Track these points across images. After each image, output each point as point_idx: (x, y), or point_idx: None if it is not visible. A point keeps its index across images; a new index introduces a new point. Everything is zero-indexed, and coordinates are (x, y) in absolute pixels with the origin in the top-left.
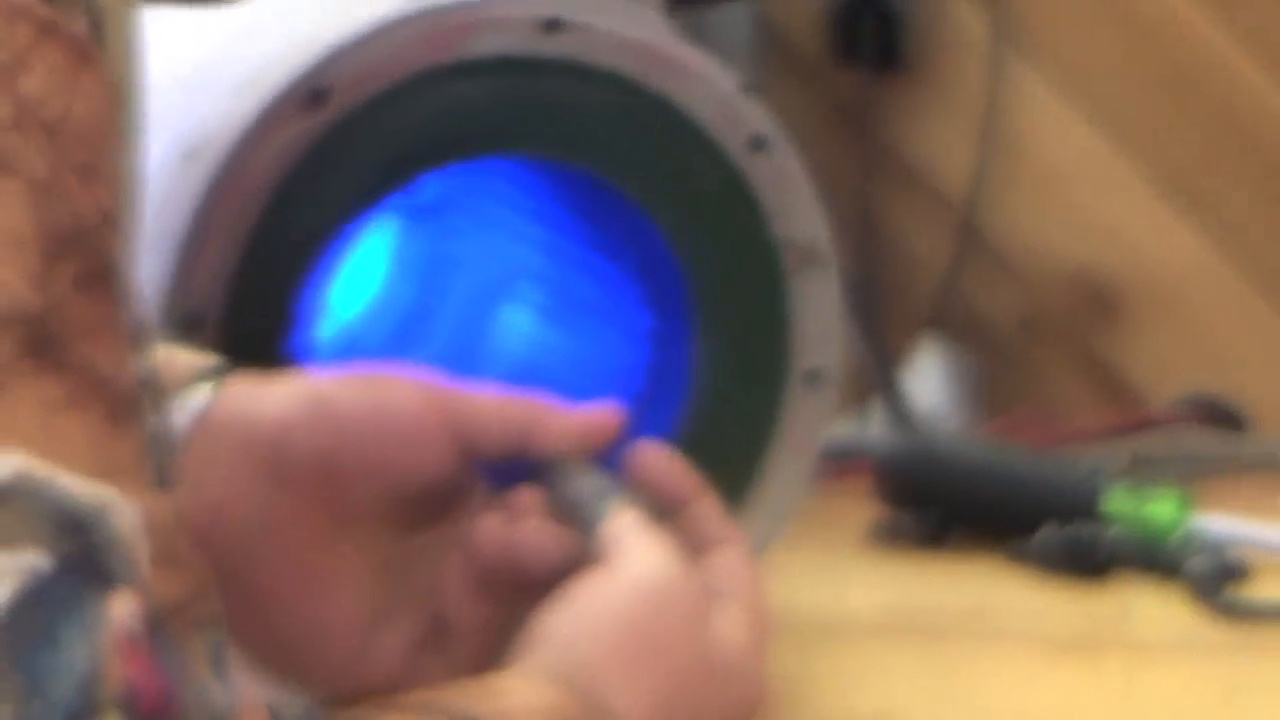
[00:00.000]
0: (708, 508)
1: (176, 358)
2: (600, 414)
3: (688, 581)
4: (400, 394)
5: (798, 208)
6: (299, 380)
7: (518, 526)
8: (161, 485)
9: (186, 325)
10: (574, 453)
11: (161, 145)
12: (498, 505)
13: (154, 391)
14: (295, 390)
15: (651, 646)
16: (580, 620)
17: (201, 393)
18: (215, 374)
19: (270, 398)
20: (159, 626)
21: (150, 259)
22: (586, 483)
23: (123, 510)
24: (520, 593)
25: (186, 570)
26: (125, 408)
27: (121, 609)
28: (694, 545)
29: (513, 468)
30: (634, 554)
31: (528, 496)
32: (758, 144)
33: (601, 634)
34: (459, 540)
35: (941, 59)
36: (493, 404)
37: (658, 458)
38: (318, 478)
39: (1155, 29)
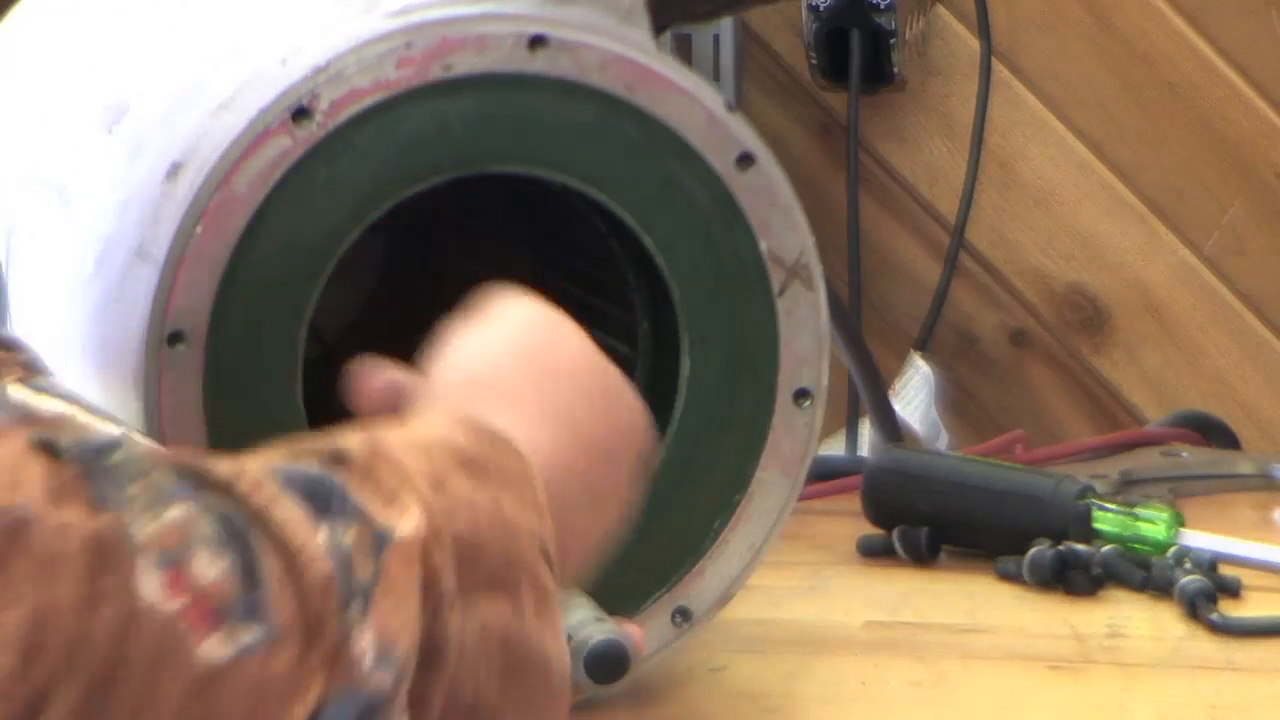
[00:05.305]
0: None
1: None
2: None
3: (562, 316)
4: (380, 400)
5: (786, 226)
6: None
7: None
8: None
9: (170, 342)
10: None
11: (146, 164)
12: None
13: None
14: None
15: (544, 366)
16: (473, 356)
17: None
18: None
19: None
20: None
21: (134, 277)
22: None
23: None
24: None
25: None
26: None
27: None
28: None
29: None
30: (506, 303)
31: None
32: (746, 162)
33: (496, 361)
34: None
35: (931, 78)
36: None
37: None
38: None
39: (1142, 49)
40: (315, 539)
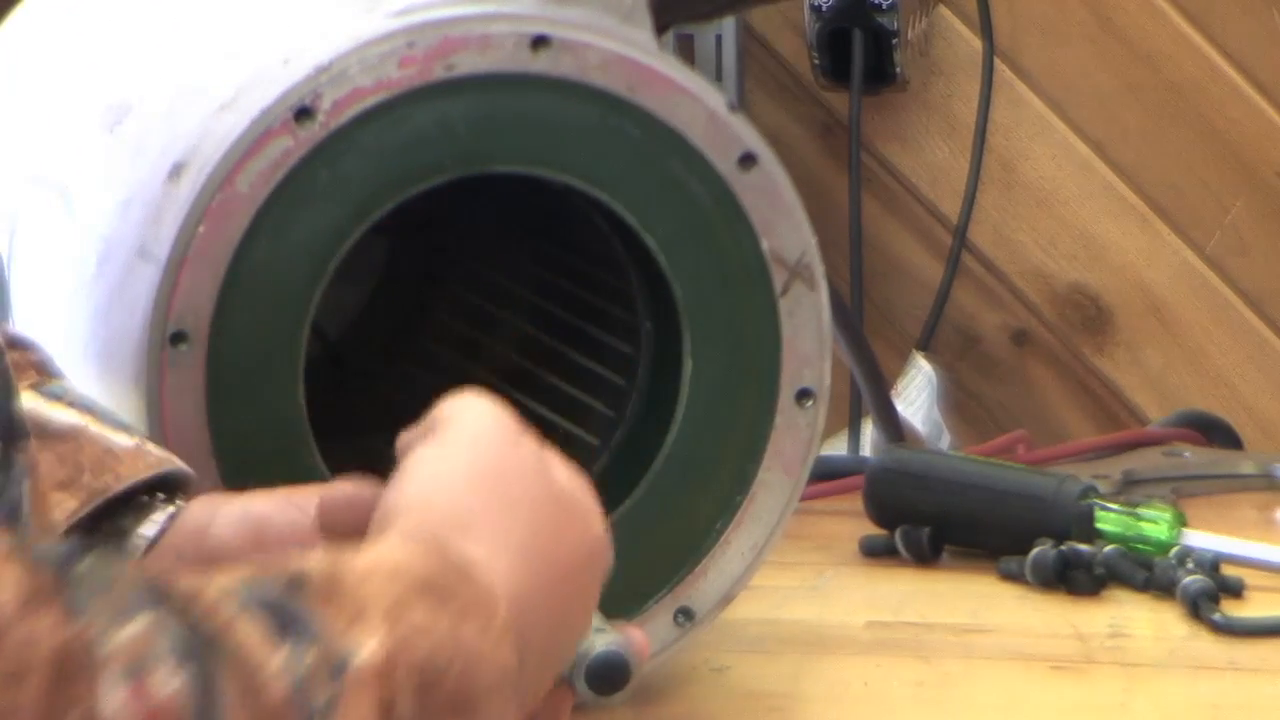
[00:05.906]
0: None
1: (145, 454)
2: None
3: (521, 433)
4: (341, 516)
5: (788, 226)
6: (244, 503)
7: None
8: None
9: (172, 342)
10: None
11: (148, 164)
12: None
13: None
14: (239, 516)
15: (503, 492)
16: (430, 481)
17: (155, 522)
18: (174, 488)
19: (216, 527)
20: None
21: (136, 277)
22: None
23: None
24: None
25: None
26: None
27: None
28: None
29: None
30: (466, 417)
31: None
32: (748, 162)
33: (453, 488)
34: None
35: (933, 78)
36: None
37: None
38: None
39: (1144, 50)
40: (274, 660)
